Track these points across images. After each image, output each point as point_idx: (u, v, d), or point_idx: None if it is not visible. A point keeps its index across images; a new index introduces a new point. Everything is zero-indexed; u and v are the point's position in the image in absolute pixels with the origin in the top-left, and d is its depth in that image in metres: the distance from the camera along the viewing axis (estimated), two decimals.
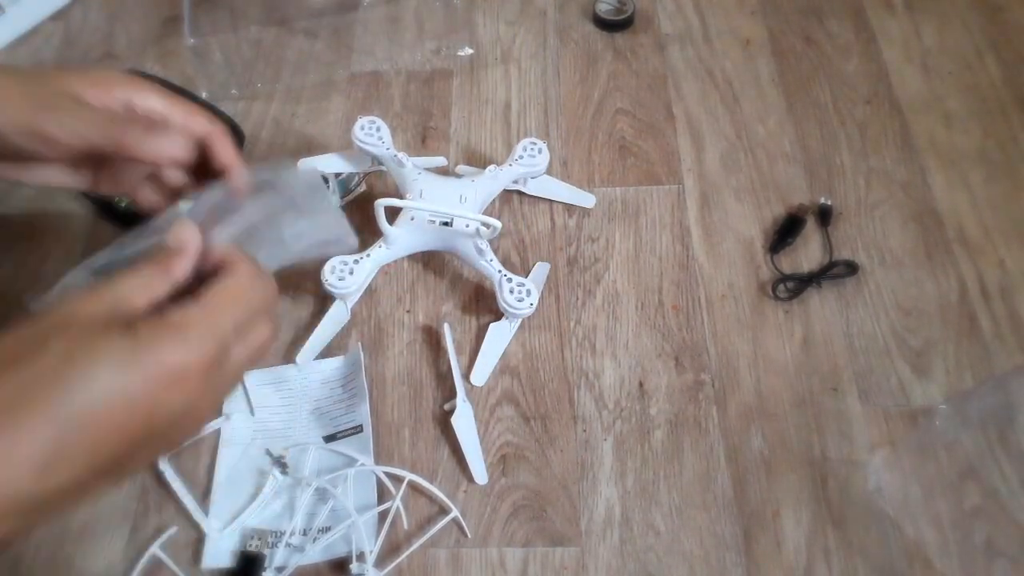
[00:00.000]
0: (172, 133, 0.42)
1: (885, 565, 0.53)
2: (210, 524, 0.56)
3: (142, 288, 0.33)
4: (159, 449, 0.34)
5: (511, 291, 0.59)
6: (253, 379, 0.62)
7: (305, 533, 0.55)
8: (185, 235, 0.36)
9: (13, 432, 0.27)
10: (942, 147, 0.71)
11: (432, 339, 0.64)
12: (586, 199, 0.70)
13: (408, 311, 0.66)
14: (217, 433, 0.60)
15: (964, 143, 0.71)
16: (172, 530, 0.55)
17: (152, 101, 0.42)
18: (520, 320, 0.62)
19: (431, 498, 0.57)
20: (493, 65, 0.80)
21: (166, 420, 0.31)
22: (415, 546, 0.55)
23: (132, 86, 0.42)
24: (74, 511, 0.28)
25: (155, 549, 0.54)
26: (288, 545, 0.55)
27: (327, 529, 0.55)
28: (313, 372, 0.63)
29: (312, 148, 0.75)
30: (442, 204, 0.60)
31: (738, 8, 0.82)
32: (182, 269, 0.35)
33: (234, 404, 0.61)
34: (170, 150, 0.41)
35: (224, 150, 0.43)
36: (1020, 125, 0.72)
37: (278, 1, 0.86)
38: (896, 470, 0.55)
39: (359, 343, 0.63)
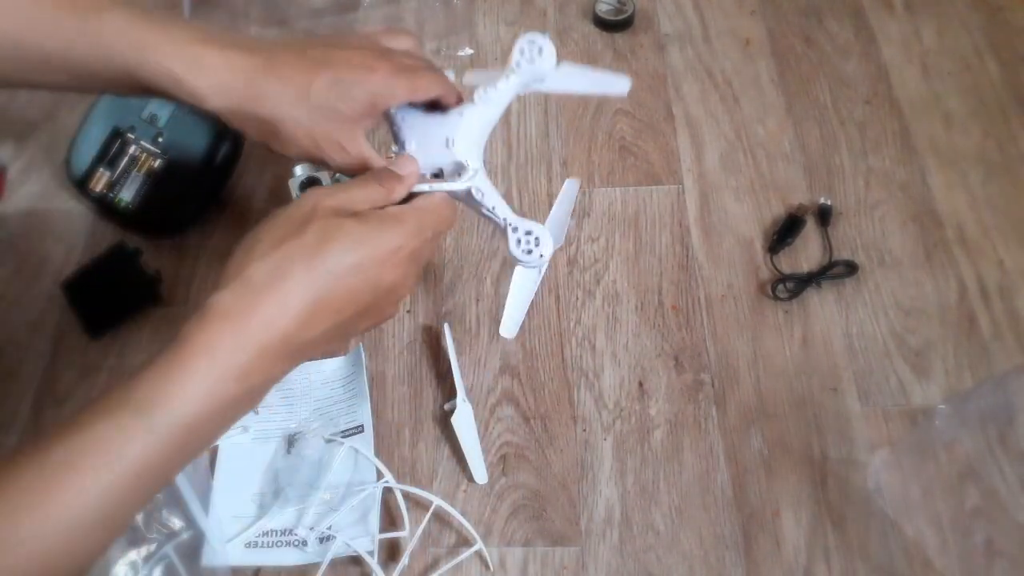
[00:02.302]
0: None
1: (885, 565, 0.53)
2: (210, 526, 0.56)
3: (368, 199, 0.42)
4: (371, 320, 0.42)
5: (517, 241, 0.50)
6: None
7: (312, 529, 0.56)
8: (410, 167, 0.46)
9: (287, 289, 0.37)
10: (941, 147, 0.71)
11: (432, 339, 0.64)
12: (618, 83, 0.57)
13: (408, 311, 0.66)
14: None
15: (963, 143, 0.71)
16: (185, 534, 0.55)
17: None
18: (544, 267, 0.56)
19: (447, 521, 0.57)
20: (493, 65, 0.80)
21: (382, 291, 0.40)
22: None
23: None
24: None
25: (168, 550, 0.55)
26: (294, 544, 0.55)
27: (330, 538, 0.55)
28: (314, 372, 0.63)
29: None
30: (427, 153, 0.51)
31: (738, 8, 0.82)
32: (400, 194, 0.44)
33: None
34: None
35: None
36: (1019, 125, 0.72)
37: (278, 1, 0.86)
38: (896, 470, 0.55)
39: (359, 343, 0.64)
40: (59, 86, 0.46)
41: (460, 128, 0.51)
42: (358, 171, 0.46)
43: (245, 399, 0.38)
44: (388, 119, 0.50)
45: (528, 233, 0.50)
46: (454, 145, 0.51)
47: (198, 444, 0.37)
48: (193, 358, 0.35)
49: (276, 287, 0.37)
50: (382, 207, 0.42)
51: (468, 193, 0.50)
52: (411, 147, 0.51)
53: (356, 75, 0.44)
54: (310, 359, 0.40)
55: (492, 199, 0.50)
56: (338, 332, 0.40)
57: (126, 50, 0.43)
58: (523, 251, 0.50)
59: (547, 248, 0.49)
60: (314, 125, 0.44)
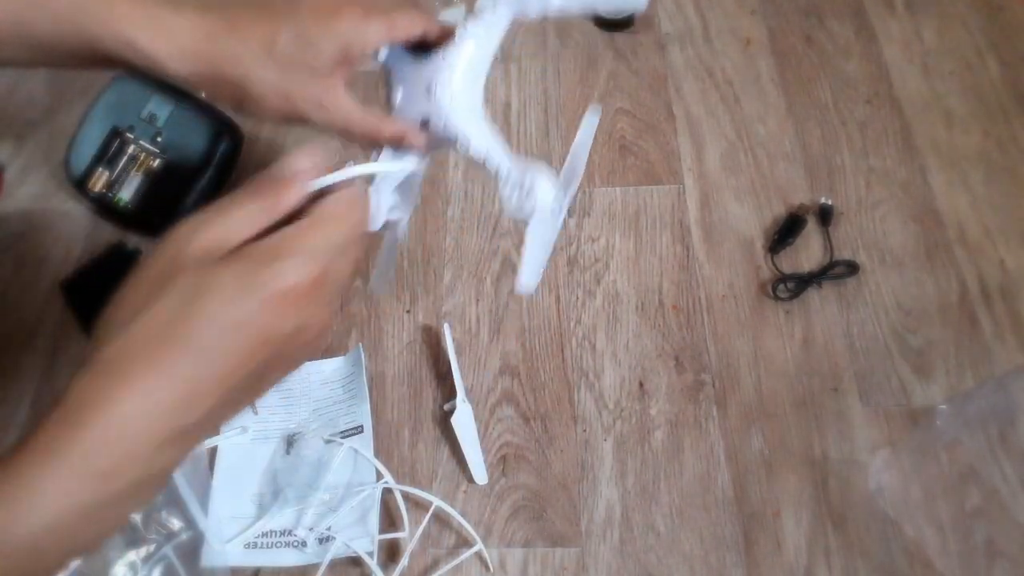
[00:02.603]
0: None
1: (886, 565, 0.53)
2: (210, 526, 0.56)
3: (246, 224, 0.32)
4: (283, 370, 0.35)
5: (508, 194, 0.42)
6: None
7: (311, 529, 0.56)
8: (298, 164, 0.34)
9: (154, 375, 0.30)
10: (942, 147, 0.71)
11: (432, 339, 0.64)
12: None
13: (408, 311, 0.66)
14: (216, 432, 0.60)
15: (964, 143, 0.71)
16: (184, 535, 0.55)
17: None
18: (561, 212, 0.45)
19: (447, 522, 0.57)
20: (493, 64, 0.80)
21: (282, 341, 0.32)
22: None
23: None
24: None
25: (167, 550, 0.55)
26: (294, 544, 0.55)
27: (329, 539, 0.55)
28: (313, 372, 0.63)
29: None
30: (412, 104, 0.44)
31: (738, 8, 0.82)
32: (288, 202, 0.34)
33: None
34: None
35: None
36: (1020, 125, 0.72)
37: None
38: (897, 470, 0.55)
39: (359, 343, 0.63)
40: (19, 62, 0.43)
41: (442, 73, 0.43)
42: (344, 129, 0.42)
43: (129, 494, 0.30)
44: (383, 67, 0.46)
45: (519, 186, 0.42)
46: (435, 93, 0.43)
47: (66, 555, 0.31)
48: (39, 461, 0.29)
49: (137, 371, 0.30)
50: (269, 227, 0.33)
51: (455, 142, 0.43)
52: (398, 97, 0.45)
53: (321, 23, 0.40)
54: (219, 426, 0.35)
55: (483, 146, 0.42)
56: (243, 394, 0.33)
57: (78, 18, 0.40)
58: (515, 206, 0.42)
59: (544, 195, 0.41)
60: (285, 83, 0.40)
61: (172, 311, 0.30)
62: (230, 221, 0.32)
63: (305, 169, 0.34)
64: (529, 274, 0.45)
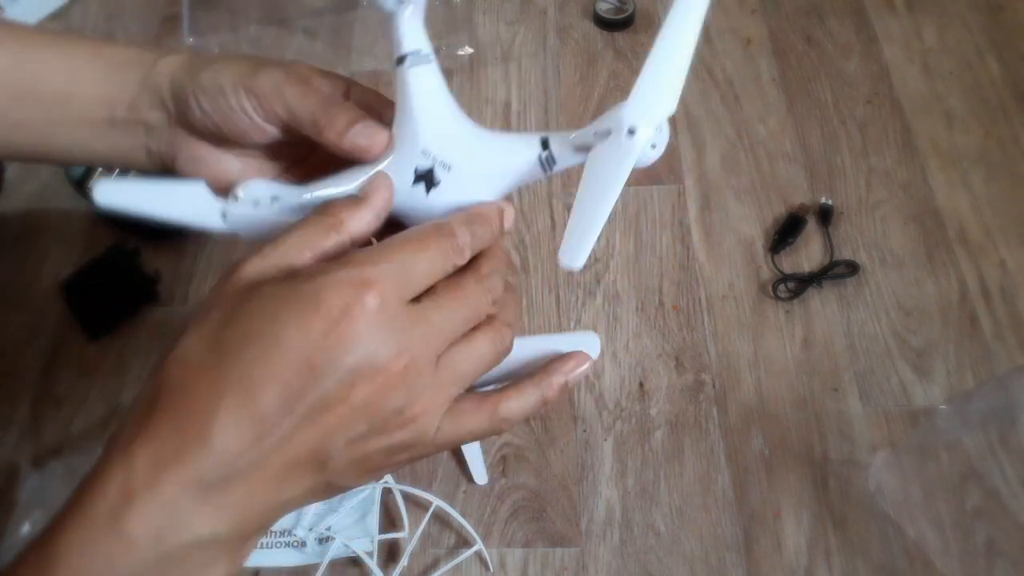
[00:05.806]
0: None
1: (886, 566, 0.53)
2: None
3: (304, 244, 0.27)
4: (349, 446, 0.26)
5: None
6: None
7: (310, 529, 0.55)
8: (373, 186, 0.30)
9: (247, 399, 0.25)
10: (943, 147, 0.71)
11: None
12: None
13: None
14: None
15: (965, 143, 0.71)
16: None
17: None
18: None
19: (447, 522, 0.57)
20: (493, 64, 0.80)
21: (369, 410, 0.25)
22: None
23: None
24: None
25: None
26: (291, 544, 0.55)
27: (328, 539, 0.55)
28: None
29: None
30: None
31: (739, 8, 0.82)
32: (358, 224, 0.28)
33: None
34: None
35: None
36: (1021, 125, 0.72)
37: (278, 0, 0.86)
38: (897, 471, 0.55)
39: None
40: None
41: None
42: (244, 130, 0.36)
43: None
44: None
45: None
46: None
47: None
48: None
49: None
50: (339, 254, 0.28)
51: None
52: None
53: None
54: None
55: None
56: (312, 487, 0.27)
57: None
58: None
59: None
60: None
61: (248, 348, 0.25)
62: (285, 244, 0.27)
63: (378, 192, 0.31)
64: (577, 243, 0.30)
